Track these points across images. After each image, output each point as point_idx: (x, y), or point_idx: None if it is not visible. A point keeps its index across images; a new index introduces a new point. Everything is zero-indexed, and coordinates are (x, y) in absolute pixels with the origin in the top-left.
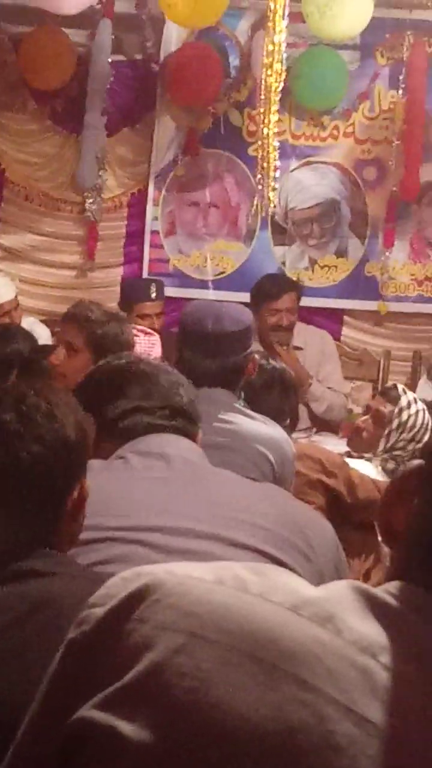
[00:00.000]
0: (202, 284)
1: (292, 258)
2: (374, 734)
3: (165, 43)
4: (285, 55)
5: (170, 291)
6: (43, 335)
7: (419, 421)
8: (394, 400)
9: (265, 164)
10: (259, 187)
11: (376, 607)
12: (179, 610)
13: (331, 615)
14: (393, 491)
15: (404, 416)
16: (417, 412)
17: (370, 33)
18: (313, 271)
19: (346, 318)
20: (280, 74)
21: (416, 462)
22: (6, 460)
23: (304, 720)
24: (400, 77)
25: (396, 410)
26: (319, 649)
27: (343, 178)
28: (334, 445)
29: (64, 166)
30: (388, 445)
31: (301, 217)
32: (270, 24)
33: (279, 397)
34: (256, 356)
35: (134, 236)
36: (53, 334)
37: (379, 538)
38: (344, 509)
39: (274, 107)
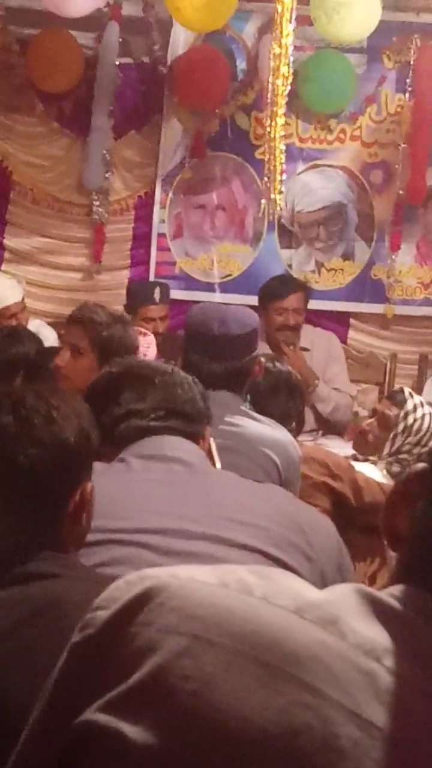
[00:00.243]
0: (209, 287)
1: (298, 261)
2: (378, 738)
3: (172, 45)
4: (292, 59)
5: (177, 294)
6: (50, 337)
7: (425, 425)
8: (401, 403)
9: (271, 167)
10: (266, 190)
11: (380, 610)
12: (183, 613)
13: (336, 618)
14: (397, 494)
15: (410, 420)
16: (423, 416)
17: (377, 36)
18: (319, 274)
19: (352, 321)
20: (287, 77)
21: (420, 465)
22: (4, 463)
23: (308, 723)
24: (407, 80)
25: (402, 414)
26: (323, 652)
27: (350, 181)
28: (341, 448)
29: (71, 168)
30: (394, 448)
31: (308, 220)
32: (277, 27)
33: (285, 400)
34: (263, 359)
35: (141, 239)
36: (60, 336)
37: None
38: (350, 512)
39: (281, 110)
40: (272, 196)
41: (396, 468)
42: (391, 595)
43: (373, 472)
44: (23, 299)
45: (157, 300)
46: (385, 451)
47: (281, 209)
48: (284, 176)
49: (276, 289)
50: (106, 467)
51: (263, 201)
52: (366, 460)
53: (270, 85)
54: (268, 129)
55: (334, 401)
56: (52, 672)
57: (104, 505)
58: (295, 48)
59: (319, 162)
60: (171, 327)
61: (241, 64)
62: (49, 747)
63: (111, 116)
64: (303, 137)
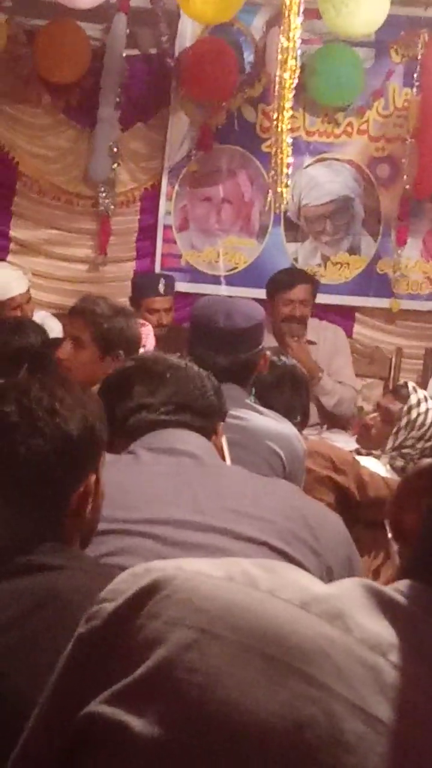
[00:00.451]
0: (215, 280)
1: (304, 254)
2: (383, 732)
3: (180, 38)
4: (300, 52)
5: (182, 286)
6: (55, 329)
7: (429, 420)
8: (404, 398)
9: (278, 160)
10: (272, 183)
11: (385, 605)
12: (189, 606)
13: (341, 613)
14: (404, 490)
15: (413, 414)
16: (427, 410)
17: (384, 30)
18: (325, 268)
19: (358, 315)
20: (295, 70)
21: (427, 461)
22: (5, 452)
23: (313, 717)
24: (415, 75)
25: (405, 408)
26: (328, 646)
27: (357, 175)
28: (345, 442)
29: (77, 160)
30: (397, 443)
31: (314, 213)
32: (285, 20)
33: (290, 393)
34: (268, 353)
35: (147, 231)
36: (65, 327)
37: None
38: (354, 507)
39: (288, 103)
40: (278, 189)
41: (399, 462)
42: (396, 590)
43: (376, 467)
44: (29, 290)
45: (162, 292)
46: (389, 445)
47: (287, 203)
48: (291, 169)
49: (284, 280)
50: (115, 458)
51: (269, 194)
52: (369, 454)
53: (277, 78)
54: (275, 122)
55: (338, 395)
56: (56, 663)
57: (112, 495)
58: (303, 41)
59: (325, 156)
60: (177, 319)
61: (249, 57)
62: (54, 738)
63: (118, 108)
64: (310, 131)
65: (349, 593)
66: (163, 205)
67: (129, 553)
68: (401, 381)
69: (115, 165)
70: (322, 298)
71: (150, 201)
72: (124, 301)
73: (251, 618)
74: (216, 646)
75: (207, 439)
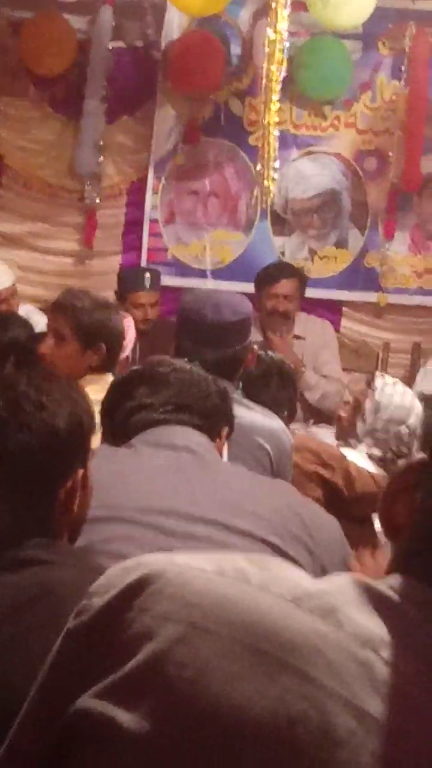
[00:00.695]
0: (201, 274)
1: (291, 248)
2: (374, 728)
3: (166, 30)
4: (287, 44)
5: (168, 280)
6: (41, 323)
7: (395, 401)
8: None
9: (265, 154)
10: (259, 176)
11: (377, 600)
12: (180, 600)
13: (333, 608)
14: (395, 485)
15: (377, 396)
16: (392, 394)
17: (372, 23)
18: (312, 262)
19: (345, 309)
20: (282, 63)
21: (418, 456)
22: None
23: (305, 712)
24: (403, 68)
25: (369, 392)
26: (320, 641)
27: (344, 168)
28: (332, 437)
29: (63, 153)
30: (368, 428)
31: (301, 207)
32: (272, 12)
33: (277, 388)
34: (255, 347)
35: (133, 224)
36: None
37: (377, 531)
38: (341, 502)
39: (275, 96)
40: (265, 183)
41: (377, 452)
42: (388, 586)
43: (356, 458)
44: (14, 284)
45: (147, 286)
46: (359, 431)
47: (274, 196)
48: (278, 163)
49: (269, 274)
50: (113, 450)
51: (256, 188)
52: (348, 445)
53: (264, 71)
54: (262, 115)
55: (322, 389)
56: (46, 658)
57: (109, 484)
58: (290, 34)
59: (313, 149)
60: (163, 313)
61: (236, 50)
62: (43, 733)
63: (104, 101)
64: (297, 124)
65: (341, 589)
66: (149, 198)
67: (124, 540)
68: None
69: (101, 158)
70: (309, 292)
71: (136, 194)
72: (109, 295)
73: (242, 613)
74: (207, 640)
75: (209, 439)
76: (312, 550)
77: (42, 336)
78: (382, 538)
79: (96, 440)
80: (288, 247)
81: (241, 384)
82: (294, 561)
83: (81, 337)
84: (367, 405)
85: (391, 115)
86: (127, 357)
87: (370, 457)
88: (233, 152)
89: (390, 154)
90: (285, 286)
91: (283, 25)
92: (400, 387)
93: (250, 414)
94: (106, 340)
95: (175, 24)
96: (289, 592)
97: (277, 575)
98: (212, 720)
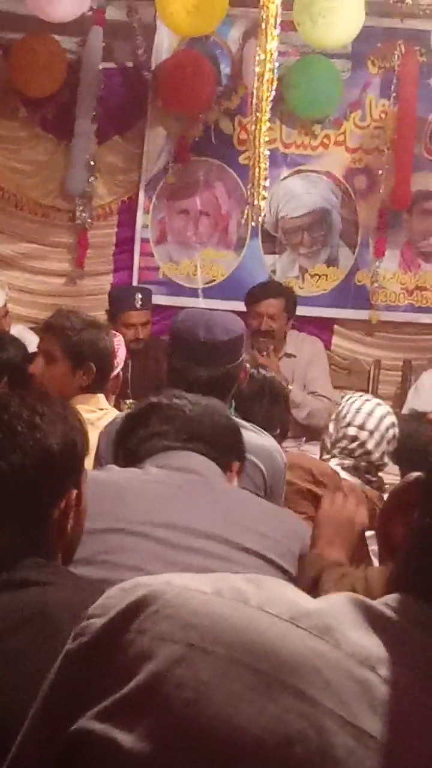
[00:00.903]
0: (192, 292)
1: (282, 267)
2: (373, 747)
3: (156, 50)
4: (277, 64)
5: (160, 299)
6: (33, 342)
7: (355, 406)
8: None
9: (255, 173)
10: (250, 195)
11: (374, 619)
12: (178, 621)
13: (330, 627)
14: (392, 503)
15: (339, 408)
16: (354, 401)
17: (361, 42)
18: (303, 280)
19: (336, 327)
20: (272, 82)
21: (415, 474)
22: None
23: (303, 732)
24: (392, 86)
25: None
26: (318, 660)
27: (334, 187)
28: None
29: (54, 173)
30: (332, 439)
31: (292, 225)
32: (261, 32)
33: (269, 406)
34: (247, 365)
35: (124, 244)
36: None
37: (370, 549)
38: None
39: (266, 116)
40: (256, 201)
41: (348, 461)
42: (385, 604)
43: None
44: (6, 304)
45: (138, 306)
46: (328, 445)
47: (264, 215)
48: (268, 182)
49: (254, 294)
50: (122, 468)
51: (247, 207)
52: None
53: (254, 91)
54: (253, 134)
55: (309, 406)
56: (42, 680)
57: (116, 496)
58: (280, 53)
59: (303, 167)
60: (155, 332)
61: (225, 69)
62: (43, 754)
63: (94, 121)
64: (287, 143)
65: (338, 607)
66: (140, 218)
67: (127, 551)
68: (380, 393)
69: (92, 178)
70: (300, 310)
71: (127, 214)
72: (101, 314)
73: (240, 633)
74: (205, 661)
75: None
76: None
77: (35, 356)
78: (375, 556)
79: (89, 462)
80: (279, 266)
81: (233, 403)
82: (293, 578)
83: (71, 358)
84: (332, 417)
85: (380, 133)
86: (119, 376)
87: (344, 468)
88: (223, 171)
89: (380, 172)
90: (268, 305)
91: (272, 44)
92: (369, 397)
93: (242, 432)
94: (96, 360)
95: (165, 44)
96: (287, 611)
97: (275, 595)
98: (211, 740)
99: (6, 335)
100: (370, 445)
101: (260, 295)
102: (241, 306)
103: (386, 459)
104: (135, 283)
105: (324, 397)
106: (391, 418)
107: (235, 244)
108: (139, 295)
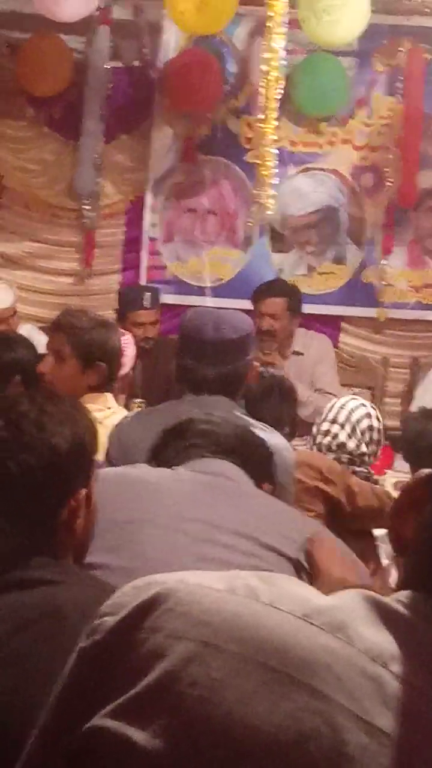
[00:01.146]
0: (200, 291)
1: (289, 265)
2: (386, 743)
3: (163, 49)
4: (283, 62)
5: (168, 298)
6: (42, 342)
7: (329, 405)
8: None
9: (263, 171)
10: (257, 193)
11: (386, 616)
12: (191, 619)
13: (343, 624)
14: (403, 501)
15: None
16: (336, 401)
17: (367, 39)
18: (311, 278)
19: (344, 325)
20: (279, 81)
21: (426, 471)
22: None
23: (316, 728)
24: (398, 84)
25: None
26: (330, 657)
27: (341, 184)
28: None
29: (61, 173)
30: (313, 437)
31: (299, 223)
32: (268, 31)
33: (278, 404)
34: (256, 364)
35: (132, 243)
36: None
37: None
38: (343, 517)
39: (273, 114)
40: (263, 200)
41: (330, 456)
42: (398, 600)
43: None
44: (14, 304)
45: (147, 305)
46: (311, 442)
47: (272, 213)
48: (275, 180)
49: (257, 293)
50: (153, 468)
51: (254, 205)
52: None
53: (261, 89)
54: (260, 133)
55: (314, 405)
56: (54, 677)
57: (145, 490)
58: (287, 52)
59: (310, 165)
60: (164, 331)
61: (232, 68)
62: (57, 752)
63: (101, 120)
64: (294, 141)
65: (350, 604)
66: (147, 217)
67: (153, 542)
68: (388, 390)
69: (99, 177)
70: (308, 308)
71: (134, 213)
72: (110, 313)
73: (253, 630)
74: (218, 659)
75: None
76: None
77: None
78: (383, 554)
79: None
80: (286, 264)
81: (242, 401)
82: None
83: (81, 357)
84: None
85: (387, 130)
86: (127, 375)
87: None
88: (230, 170)
89: (386, 169)
90: (270, 305)
91: (279, 43)
92: (350, 397)
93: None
94: (106, 360)
95: (171, 43)
96: (299, 608)
97: (287, 592)
98: (225, 737)
99: (16, 335)
100: (342, 437)
101: (263, 294)
102: (248, 304)
103: (364, 449)
104: (143, 282)
105: (331, 394)
106: (364, 410)
107: (243, 243)
108: (148, 295)
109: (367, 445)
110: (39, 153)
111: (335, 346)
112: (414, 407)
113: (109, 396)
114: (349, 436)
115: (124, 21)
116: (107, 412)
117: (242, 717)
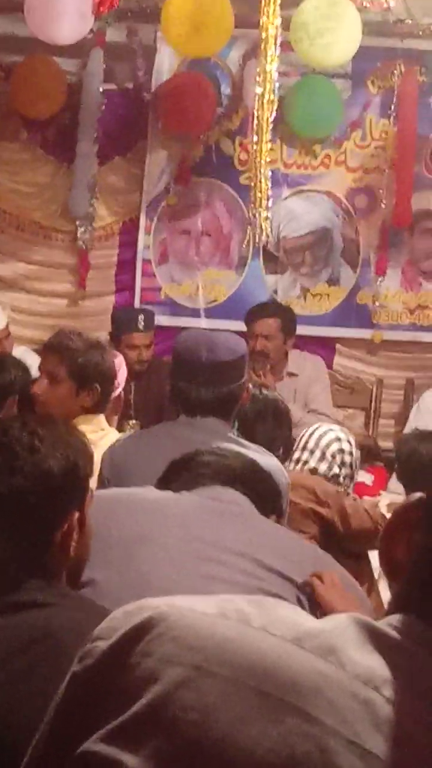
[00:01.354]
0: (194, 313)
1: (284, 286)
2: (377, 767)
3: (156, 71)
4: (277, 84)
5: (162, 320)
6: (35, 364)
7: (303, 433)
8: None
9: (257, 193)
10: (252, 215)
11: (378, 639)
12: (183, 643)
13: (334, 648)
14: (394, 523)
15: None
16: (305, 430)
17: (361, 61)
18: (305, 299)
19: (338, 346)
20: (272, 103)
21: (417, 495)
22: None
23: (308, 752)
24: (392, 106)
25: None
26: (322, 681)
27: (335, 206)
28: None
29: (56, 195)
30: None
31: (293, 245)
32: (261, 53)
33: (272, 426)
34: (250, 385)
35: (126, 265)
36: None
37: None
38: (337, 539)
39: (267, 136)
40: (258, 222)
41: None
42: (389, 624)
43: None
44: (7, 326)
45: (141, 327)
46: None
47: (267, 236)
48: (270, 202)
49: (250, 314)
50: (159, 490)
51: (249, 227)
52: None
53: (255, 111)
54: (254, 154)
55: (307, 425)
56: (47, 700)
57: (149, 509)
58: (280, 74)
59: (304, 187)
60: (158, 352)
61: (226, 90)
62: None
63: (95, 142)
64: (288, 162)
65: (341, 628)
66: (141, 238)
67: (155, 559)
68: (383, 412)
69: (93, 199)
70: (302, 330)
71: (128, 235)
72: (103, 336)
73: (245, 655)
74: (210, 683)
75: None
76: None
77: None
78: (377, 574)
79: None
80: (280, 285)
81: (236, 423)
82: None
83: (75, 378)
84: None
85: (381, 152)
86: (120, 396)
87: None
88: (224, 191)
89: (380, 191)
90: (263, 325)
91: (272, 65)
92: (323, 424)
93: (246, 453)
94: (100, 381)
95: (165, 65)
96: (290, 632)
97: (278, 616)
98: (217, 762)
99: (9, 357)
100: (312, 463)
101: (256, 315)
102: (243, 326)
103: (337, 470)
104: (137, 303)
105: (324, 415)
106: (333, 434)
107: (237, 264)
108: (142, 317)
109: (339, 467)
110: (33, 175)
111: (330, 367)
112: (408, 428)
113: (102, 417)
114: (320, 460)
115: (118, 43)
116: (101, 434)
117: (234, 741)
